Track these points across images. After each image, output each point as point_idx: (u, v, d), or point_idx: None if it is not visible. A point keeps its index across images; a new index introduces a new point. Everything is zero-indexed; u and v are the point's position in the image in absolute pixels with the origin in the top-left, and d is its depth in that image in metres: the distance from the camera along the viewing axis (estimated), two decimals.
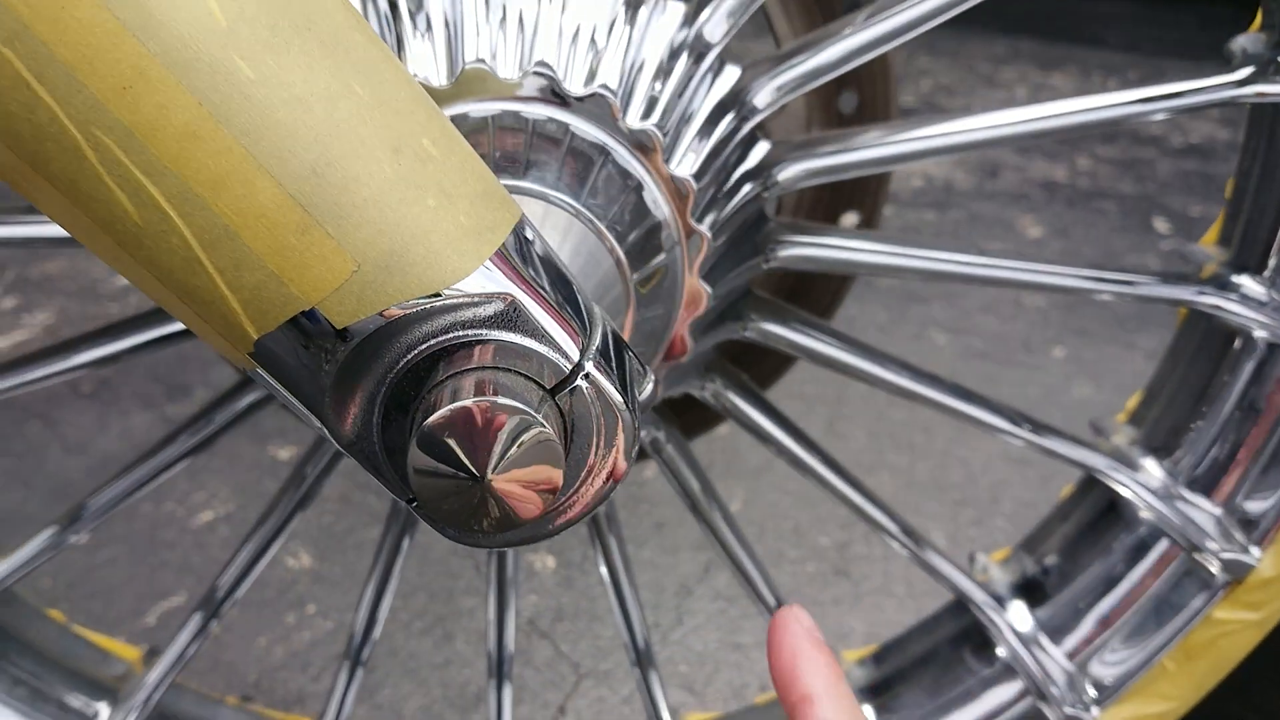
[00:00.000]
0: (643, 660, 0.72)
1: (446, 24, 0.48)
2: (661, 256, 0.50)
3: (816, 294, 0.73)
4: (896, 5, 0.53)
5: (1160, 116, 0.60)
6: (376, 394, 0.34)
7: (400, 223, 0.32)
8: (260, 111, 0.30)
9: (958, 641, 0.75)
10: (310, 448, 0.64)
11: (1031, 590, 0.73)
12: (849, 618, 1.19)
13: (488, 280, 0.34)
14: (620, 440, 0.36)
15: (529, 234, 0.36)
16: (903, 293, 1.88)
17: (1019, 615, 0.72)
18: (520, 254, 0.35)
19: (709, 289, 0.51)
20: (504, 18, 0.48)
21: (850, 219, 0.72)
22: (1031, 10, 3.88)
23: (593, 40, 0.48)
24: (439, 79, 0.46)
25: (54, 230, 0.56)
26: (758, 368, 0.75)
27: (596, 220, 0.46)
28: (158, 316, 0.58)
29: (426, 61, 0.46)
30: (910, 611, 1.20)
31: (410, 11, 0.48)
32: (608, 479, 0.37)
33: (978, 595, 0.70)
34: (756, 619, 1.17)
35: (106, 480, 0.65)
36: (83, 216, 0.31)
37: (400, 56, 0.47)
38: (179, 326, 0.57)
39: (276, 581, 1.18)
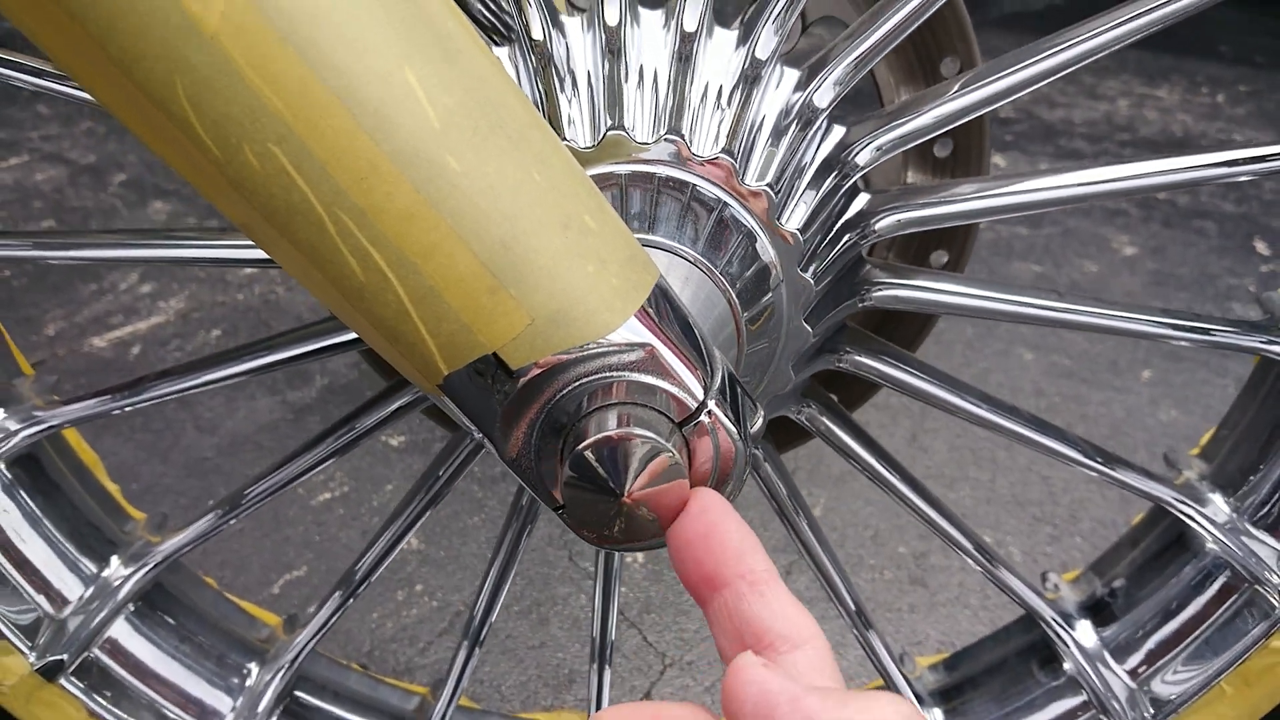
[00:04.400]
0: None
1: (590, 85, 0.55)
2: (769, 297, 0.56)
3: (905, 326, 0.79)
4: (990, 74, 0.58)
5: (1244, 179, 0.64)
6: (536, 421, 0.42)
7: (567, 286, 0.39)
8: (463, 197, 0.37)
9: (1026, 654, 0.80)
10: (444, 452, 0.72)
11: (1099, 610, 0.77)
12: (924, 625, 1.24)
13: (632, 332, 0.41)
14: (734, 466, 0.43)
15: (665, 290, 0.43)
16: None
17: (1085, 633, 0.76)
18: (658, 308, 0.42)
19: (810, 328, 0.57)
20: (640, 78, 0.55)
21: (939, 257, 0.78)
22: None
23: (717, 103, 0.55)
24: (584, 142, 0.53)
25: (239, 254, 0.65)
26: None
27: (714, 268, 0.53)
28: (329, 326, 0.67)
29: (576, 127, 0.53)
30: (984, 622, 1.24)
31: (560, 78, 0.55)
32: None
33: (1047, 612, 0.75)
34: (835, 620, 1.22)
35: (265, 472, 0.74)
36: (317, 273, 0.39)
37: (556, 121, 0.55)
38: (347, 338, 0.66)
39: (389, 561, 1.28)
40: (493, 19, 0.64)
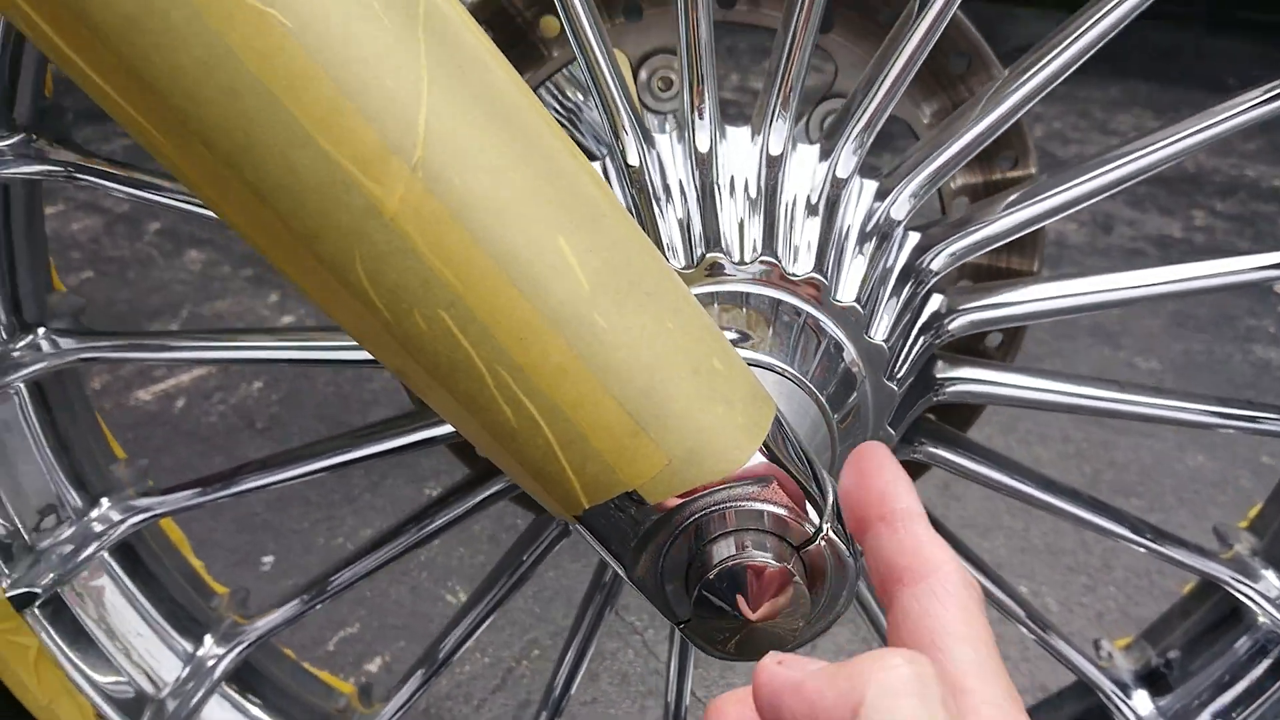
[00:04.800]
0: None
1: (685, 205, 0.58)
2: (854, 398, 0.59)
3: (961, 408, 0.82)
4: (1057, 186, 0.62)
5: None
6: (665, 547, 0.45)
7: (700, 428, 0.42)
8: (609, 351, 0.41)
9: None
10: (526, 536, 0.75)
11: (1154, 680, 0.80)
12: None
13: (756, 465, 0.44)
14: (846, 585, 0.46)
15: (780, 420, 0.47)
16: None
17: (1142, 703, 0.79)
18: (776, 439, 0.45)
19: (893, 431, 0.60)
20: (732, 193, 0.59)
21: (994, 339, 0.81)
22: (1148, 48, 3.85)
23: (806, 213, 0.59)
24: (682, 262, 0.57)
25: (333, 355, 0.69)
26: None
27: (805, 378, 0.56)
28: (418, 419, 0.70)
29: (673, 247, 0.57)
30: (1024, 674, 1.27)
31: (656, 198, 0.58)
32: (834, 615, 0.47)
33: (1105, 683, 0.78)
34: None
35: (349, 557, 0.77)
36: (472, 419, 0.42)
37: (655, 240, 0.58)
38: (440, 433, 0.69)
39: (438, 617, 1.31)
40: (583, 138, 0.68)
